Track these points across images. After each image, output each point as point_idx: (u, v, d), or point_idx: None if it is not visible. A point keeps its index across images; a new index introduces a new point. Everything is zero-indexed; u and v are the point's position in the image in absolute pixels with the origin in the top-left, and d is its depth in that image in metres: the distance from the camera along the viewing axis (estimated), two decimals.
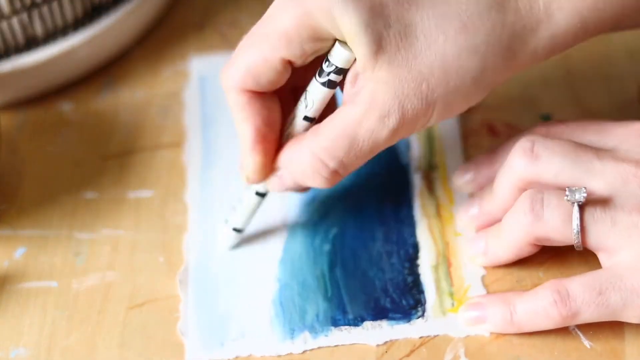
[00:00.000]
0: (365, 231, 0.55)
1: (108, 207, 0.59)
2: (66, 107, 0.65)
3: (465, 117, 0.61)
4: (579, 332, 0.50)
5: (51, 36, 0.63)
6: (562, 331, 0.50)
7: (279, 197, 0.57)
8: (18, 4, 0.61)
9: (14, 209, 0.59)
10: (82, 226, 0.58)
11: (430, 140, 0.59)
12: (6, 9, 0.61)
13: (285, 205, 0.57)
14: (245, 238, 0.56)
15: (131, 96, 0.65)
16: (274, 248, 0.55)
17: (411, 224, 0.55)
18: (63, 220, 0.58)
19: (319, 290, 0.53)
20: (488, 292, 0.51)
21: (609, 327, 0.50)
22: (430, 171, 0.57)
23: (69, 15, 0.63)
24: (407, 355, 0.50)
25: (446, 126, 0.60)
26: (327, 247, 0.54)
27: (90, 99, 0.65)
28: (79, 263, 0.56)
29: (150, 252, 0.56)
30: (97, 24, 0.64)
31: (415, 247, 0.54)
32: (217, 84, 0.64)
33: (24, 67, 0.63)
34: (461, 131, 0.60)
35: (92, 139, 0.63)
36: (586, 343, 0.49)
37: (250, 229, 0.56)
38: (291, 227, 0.56)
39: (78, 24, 0.64)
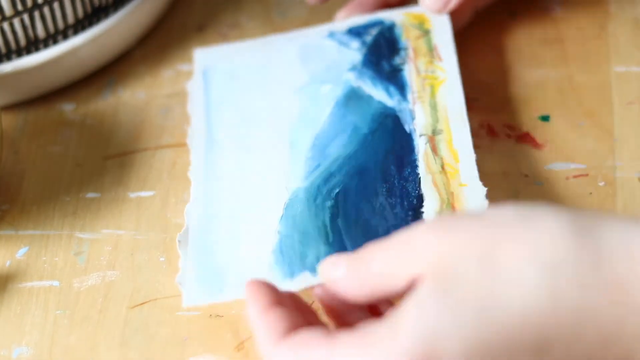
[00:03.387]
0: (369, 189, 0.54)
1: (109, 207, 0.59)
2: (67, 107, 0.65)
3: None
4: None
5: (52, 37, 0.63)
6: None
7: (281, 164, 0.57)
8: (20, 5, 0.61)
9: (15, 209, 0.59)
10: (83, 226, 0.58)
11: (434, 109, 0.58)
12: (8, 10, 0.61)
13: (287, 173, 0.56)
14: (246, 203, 0.55)
15: (132, 97, 0.65)
16: (275, 208, 0.54)
17: (415, 181, 0.54)
18: (64, 220, 0.58)
19: (320, 238, 0.52)
20: None
21: None
22: (434, 136, 0.56)
23: (70, 16, 0.63)
24: None
25: (451, 94, 0.58)
26: (329, 203, 0.54)
27: (91, 100, 0.65)
28: (80, 263, 0.56)
29: (151, 252, 0.56)
30: (98, 24, 0.64)
31: (420, 199, 0.53)
32: (220, 70, 0.63)
33: (26, 67, 0.63)
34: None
35: (93, 139, 0.63)
36: None
37: (250, 194, 0.56)
38: (293, 191, 0.55)
39: (79, 25, 0.64)
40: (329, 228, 0.53)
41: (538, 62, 0.64)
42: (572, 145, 0.59)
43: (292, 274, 0.51)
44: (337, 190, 0.54)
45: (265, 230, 0.54)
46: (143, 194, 0.59)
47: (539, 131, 0.60)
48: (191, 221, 0.55)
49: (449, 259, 0.40)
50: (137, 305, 0.54)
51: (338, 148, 0.57)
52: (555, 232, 0.39)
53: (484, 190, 0.52)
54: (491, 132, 0.60)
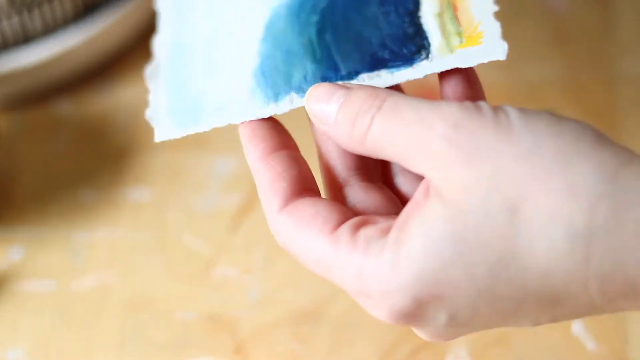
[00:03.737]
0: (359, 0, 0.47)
1: (106, 207, 0.59)
2: (65, 106, 0.65)
3: None
4: (582, 335, 0.50)
5: (50, 34, 0.63)
6: (566, 334, 0.50)
7: None
8: (17, 1, 0.61)
9: (12, 209, 0.59)
10: (80, 226, 0.58)
11: None
12: (4, 6, 0.60)
13: None
14: (220, 24, 0.49)
15: (130, 95, 0.65)
16: (254, 30, 0.47)
17: None
18: (61, 220, 0.58)
19: (306, 55, 0.45)
20: None
21: (613, 330, 0.49)
22: None
23: (69, 12, 0.63)
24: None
25: None
26: (314, 17, 0.47)
27: (89, 99, 0.65)
28: (77, 263, 0.56)
29: (148, 252, 0.56)
30: (96, 23, 0.64)
31: (416, 2, 0.46)
32: None
33: (23, 66, 0.62)
34: None
35: (90, 139, 0.63)
36: (590, 345, 0.49)
37: (227, 15, 0.49)
38: (274, 8, 0.48)
39: (78, 21, 0.64)
40: (315, 44, 0.45)
41: (541, 60, 0.63)
42: None
43: (276, 96, 0.44)
44: (323, 4, 0.47)
45: (244, 53, 0.47)
46: (141, 194, 0.59)
47: None
48: (161, 55, 0.49)
49: (473, 198, 0.37)
50: (135, 307, 0.54)
51: None
52: (594, 198, 0.36)
53: None
54: None
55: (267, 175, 0.41)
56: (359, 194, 0.42)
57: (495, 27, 0.44)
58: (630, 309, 0.37)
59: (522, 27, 0.65)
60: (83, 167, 0.61)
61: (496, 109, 0.38)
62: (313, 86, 0.42)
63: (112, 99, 0.65)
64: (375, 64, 0.44)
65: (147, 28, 0.68)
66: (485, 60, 0.42)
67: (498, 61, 0.63)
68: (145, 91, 0.65)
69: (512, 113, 0.37)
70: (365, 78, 0.44)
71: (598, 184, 0.36)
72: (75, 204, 0.59)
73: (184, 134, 0.45)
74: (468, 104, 0.38)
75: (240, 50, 0.47)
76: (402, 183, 0.43)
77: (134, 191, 0.59)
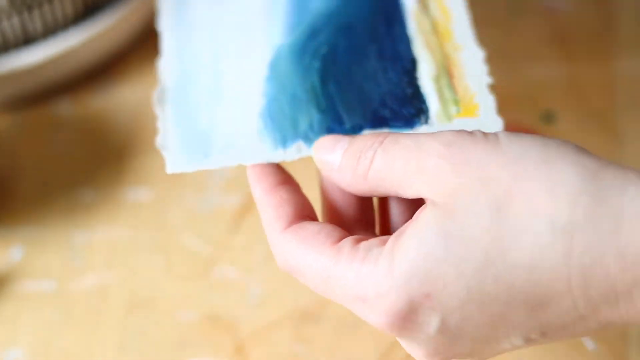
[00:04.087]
0: (358, 49, 0.49)
1: (106, 207, 0.58)
2: (65, 106, 0.65)
3: None
4: None
5: (50, 34, 0.63)
6: None
7: (261, 20, 0.52)
8: (17, 1, 0.61)
9: (12, 209, 0.59)
10: (80, 226, 0.58)
11: None
12: (5, 6, 0.60)
13: (268, 28, 0.51)
14: (226, 59, 0.51)
15: (130, 95, 0.65)
16: (258, 67, 0.49)
17: (406, 41, 0.49)
18: (61, 220, 0.58)
19: (311, 103, 0.47)
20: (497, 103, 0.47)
21: (613, 330, 0.49)
22: None
23: (69, 12, 0.63)
24: None
25: None
26: (317, 64, 0.48)
27: (89, 99, 0.65)
28: (76, 263, 0.56)
29: (148, 252, 0.56)
30: (96, 23, 0.64)
31: (413, 62, 0.48)
32: None
33: (23, 67, 0.62)
34: None
35: (90, 139, 0.63)
36: (590, 346, 0.49)
37: (230, 48, 0.51)
38: (277, 48, 0.50)
39: (78, 22, 0.64)
40: (319, 92, 0.48)
41: (541, 60, 0.63)
42: None
43: (284, 141, 0.46)
44: (324, 49, 0.49)
45: (249, 92, 0.49)
46: (141, 194, 0.59)
47: (543, 131, 0.60)
48: (167, 79, 0.50)
49: (461, 200, 0.39)
50: (135, 307, 0.54)
51: (318, 3, 0.51)
52: (575, 194, 0.38)
53: (482, 53, 0.48)
54: None
55: (273, 202, 0.44)
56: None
57: (490, 101, 0.47)
58: (614, 319, 0.38)
59: (522, 27, 0.65)
60: (83, 167, 0.61)
61: (486, 132, 0.40)
62: (320, 138, 0.45)
63: (112, 99, 0.65)
64: (378, 121, 0.47)
65: (147, 28, 0.68)
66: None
67: (498, 61, 0.63)
68: (145, 91, 0.66)
69: (501, 133, 0.40)
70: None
71: (579, 182, 0.38)
72: (75, 204, 0.59)
73: (195, 169, 0.47)
74: (461, 129, 0.41)
75: (245, 86, 0.49)
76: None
77: (134, 191, 0.59)
